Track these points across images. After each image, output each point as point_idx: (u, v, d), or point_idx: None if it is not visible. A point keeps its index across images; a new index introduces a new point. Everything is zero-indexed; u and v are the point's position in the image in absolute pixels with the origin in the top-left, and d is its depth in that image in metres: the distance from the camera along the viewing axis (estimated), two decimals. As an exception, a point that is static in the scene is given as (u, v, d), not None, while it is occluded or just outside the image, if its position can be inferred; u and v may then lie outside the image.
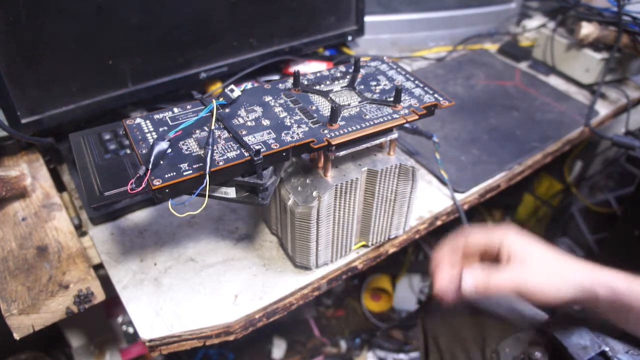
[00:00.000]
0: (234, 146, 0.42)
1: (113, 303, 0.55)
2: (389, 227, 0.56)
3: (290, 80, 0.52)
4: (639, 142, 0.79)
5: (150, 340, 0.48)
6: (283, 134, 0.44)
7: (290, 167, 0.50)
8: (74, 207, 0.62)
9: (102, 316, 0.92)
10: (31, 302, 0.48)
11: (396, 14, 0.99)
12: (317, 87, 0.51)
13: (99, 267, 0.55)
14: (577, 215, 1.26)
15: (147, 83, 0.69)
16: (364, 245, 0.57)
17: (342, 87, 0.51)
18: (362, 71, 0.54)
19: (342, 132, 0.45)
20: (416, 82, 0.53)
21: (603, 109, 0.89)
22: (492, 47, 1.07)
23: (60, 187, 0.64)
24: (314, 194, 0.46)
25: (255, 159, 0.41)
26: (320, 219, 0.48)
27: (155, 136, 0.44)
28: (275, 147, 0.42)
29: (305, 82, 0.52)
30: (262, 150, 0.41)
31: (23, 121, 0.60)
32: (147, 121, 0.46)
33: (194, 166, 0.40)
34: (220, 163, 0.40)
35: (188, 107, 0.48)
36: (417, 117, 0.47)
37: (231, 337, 0.51)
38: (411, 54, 1.01)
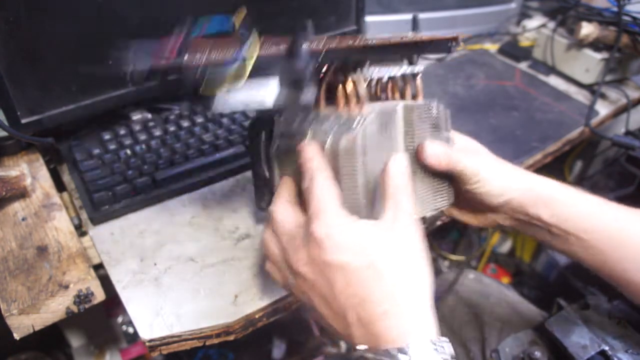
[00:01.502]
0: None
1: (113, 303, 0.55)
2: (432, 194, 0.48)
3: None
4: (639, 142, 0.79)
5: (150, 340, 0.48)
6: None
7: (318, 117, 0.46)
8: (74, 207, 0.62)
9: (102, 316, 0.92)
10: (31, 302, 0.48)
11: (396, 14, 0.99)
12: None
13: (99, 267, 0.55)
14: (577, 215, 1.26)
15: (147, 83, 0.69)
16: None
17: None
18: None
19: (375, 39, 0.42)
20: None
21: (603, 109, 0.89)
22: (492, 47, 1.07)
23: (60, 187, 0.64)
24: (355, 122, 0.41)
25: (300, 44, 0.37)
26: (367, 153, 0.42)
27: None
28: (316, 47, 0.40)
29: None
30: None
31: (23, 121, 0.60)
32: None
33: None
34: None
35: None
36: (440, 38, 0.44)
37: (231, 337, 0.51)
38: (411, 54, 1.01)
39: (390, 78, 0.47)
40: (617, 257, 0.46)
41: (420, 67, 0.46)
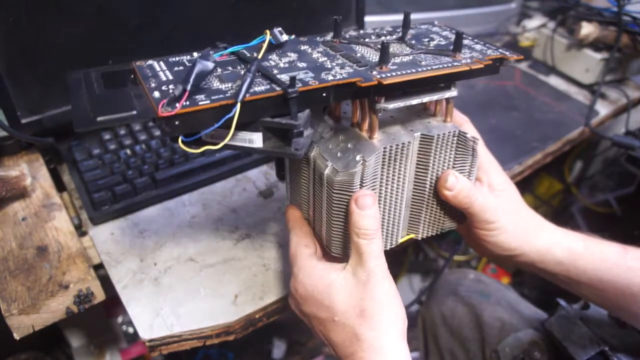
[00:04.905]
0: (264, 82, 0.35)
1: (113, 303, 0.55)
2: (443, 216, 0.46)
3: (329, 35, 0.45)
4: (639, 142, 0.79)
5: (150, 340, 0.48)
6: (323, 74, 0.37)
7: (328, 132, 0.42)
8: (74, 207, 0.62)
9: (102, 316, 0.92)
10: (31, 302, 0.48)
11: (396, 14, 0.99)
12: (362, 40, 0.45)
13: (99, 267, 0.55)
14: (577, 215, 1.26)
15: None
16: (411, 239, 0.49)
17: (390, 41, 0.45)
18: (413, 31, 0.48)
19: (394, 73, 0.37)
20: (475, 40, 0.46)
21: (603, 109, 0.89)
22: (492, 47, 1.07)
23: (60, 187, 0.64)
24: (357, 157, 0.38)
25: (290, 91, 0.33)
26: (364, 186, 0.40)
27: (168, 74, 0.37)
28: (313, 84, 0.35)
29: (347, 36, 0.46)
30: (297, 82, 0.34)
31: (23, 121, 0.60)
32: (161, 62, 0.39)
33: (213, 97, 0.33)
34: (246, 96, 0.33)
35: (210, 52, 0.39)
36: (481, 66, 0.40)
37: (231, 337, 0.51)
38: (411, 54, 1.01)
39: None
40: (627, 305, 0.46)
41: (454, 92, 0.42)
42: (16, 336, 0.48)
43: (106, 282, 0.53)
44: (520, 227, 0.46)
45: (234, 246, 0.58)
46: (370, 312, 0.37)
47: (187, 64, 0.39)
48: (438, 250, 1.30)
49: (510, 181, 0.49)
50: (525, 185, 1.28)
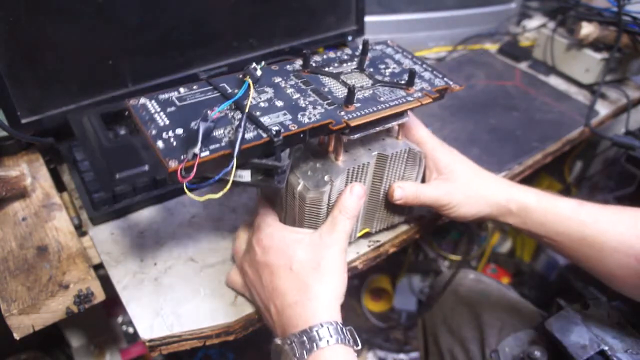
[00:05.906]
0: (250, 127, 0.41)
1: (113, 303, 0.55)
2: (393, 213, 0.56)
3: (297, 62, 0.52)
4: (639, 142, 0.79)
5: (150, 340, 0.48)
6: (299, 115, 0.43)
7: (298, 151, 0.49)
8: (74, 207, 0.62)
9: (102, 316, 0.92)
10: (31, 302, 0.48)
11: (396, 14, 0.99)
12: (327, 69, 0.51)
13: (99, 267, 0.55)
14: (577, 215, 1.26)
15: (147, 83, 0.69)
16: (367, 233, 0.57)
17: (352, 70, 0.51)
18: (369, 54, 0.54)
19: (359, 113, 0.44)
20: (424, 65, 0.53)
21: (603, 109, 0.89)
22: (492, 47, 1.07)
23: (60, 187, 0.64)
24: (326, 178, 0.46)
25: (275, 140, 0.39)
26: (331, 203, 0.47)
27: (163, 117, 0.42)
28: (293, 129, 0.41)
29: (314, 64, 0.52)
30: (281, 131, 0.40)
31: (23, 121, 0.60)
32: (153, 101, 0.44)
33: (211, 147, 0.38)
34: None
35: (194, 87, 0.46)
36: (431, 100, 0.47)
37: (231, 337, 0.51)
38: (411, 54, 1.01)
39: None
40: (584, 257, 0.51)
41: (406, 118, 0.49)
42: (16, 336, 0.48)
43: (106, 282, 0.53)
44: (474, 195, 0.53)
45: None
46: (324, 269, 0.43)
47: (177, 102, 0.44)
48: (438, 250, 1.30)
49: (456, 156, 0.55)
50: (525, 185, 1.28)
